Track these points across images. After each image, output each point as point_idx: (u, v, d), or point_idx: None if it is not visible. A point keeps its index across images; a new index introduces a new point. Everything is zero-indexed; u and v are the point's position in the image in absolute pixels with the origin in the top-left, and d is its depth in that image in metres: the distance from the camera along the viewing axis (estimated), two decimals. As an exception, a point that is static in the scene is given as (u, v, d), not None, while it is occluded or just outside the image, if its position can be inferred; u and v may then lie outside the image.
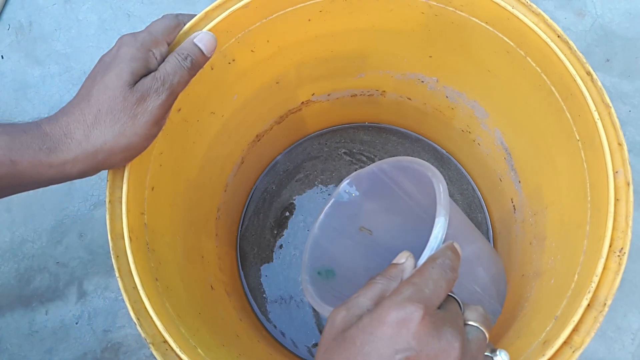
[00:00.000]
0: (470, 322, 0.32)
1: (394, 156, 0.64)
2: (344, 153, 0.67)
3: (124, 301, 0.35)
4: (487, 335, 0.32)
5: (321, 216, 0.48)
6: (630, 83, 0.70)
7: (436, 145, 0.64)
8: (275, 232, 0.63)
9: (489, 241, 0.61)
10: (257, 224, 0.64)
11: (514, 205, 0.53)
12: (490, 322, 0.33)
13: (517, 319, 0.42)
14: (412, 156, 0.64)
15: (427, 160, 0.64)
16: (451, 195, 0.63)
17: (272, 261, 0.62)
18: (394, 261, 0.35)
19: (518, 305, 0.45)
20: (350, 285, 0.33)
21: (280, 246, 0.63)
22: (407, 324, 0.29)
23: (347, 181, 0.48)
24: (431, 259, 0.33)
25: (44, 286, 0.66)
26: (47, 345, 0.64)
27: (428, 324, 0.29)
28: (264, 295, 0.60)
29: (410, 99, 0.57)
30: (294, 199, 0.65)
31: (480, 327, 0.32)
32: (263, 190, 0.65)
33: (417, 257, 0.34)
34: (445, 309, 0.31)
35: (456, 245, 0.35)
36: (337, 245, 0.48)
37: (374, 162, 0.65)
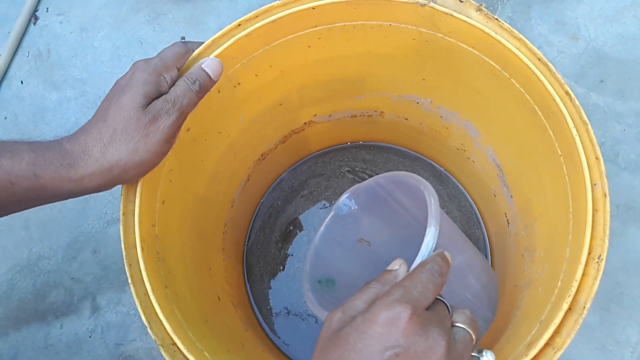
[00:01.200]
0: (457, 324, 0.34)
1: (402, 172, 0.67)
2: (347, 171, 0.70)
3: (135, 315, 0.38)
4: (473, 337, 0.34)
5: (322, 228, 0.51)
6: (624, 103, 0.73)
7: (434, 163, 0.67)
8: (280, 246, 0.66)
9: (487, 256, 0.63)
10: (262, 238, 0.66)
11: (507, 219, 0.55)
12: (477, 325, 0.35)
13: (509, 327, 0.44)
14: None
15: (426, 178, 0.66)
16: (450, 212, 0.65)
17: (277, 274, 0.64)
18: (388, 267, 0.37)
19: (510, 313, 0.47)
20: (349, 293, 0.35)
21: (285, 260, 0.65)
22: (396, 323, 0.31)
23: (347, 195, 0.51)
24: (421, 264, 0.35)
25: (59, 301, 0.69)
26: (61, 358, 0.66)
27: (416, 323, 0.31)
28: (269, 307, 0.63)
29: (407, 119, 0.60)
30: (299, 215, 0.67)
31: (467, 329, 0.34)
32: (269, 206, 0.68)
33: (410, 265, 0.37)
34: (433, 310, 0.33)
35: (446, 254, 0.37)
36: (337, 255, 0.51)
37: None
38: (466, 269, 0.45)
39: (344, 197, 0.50)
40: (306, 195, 0.68)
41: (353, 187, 0.51)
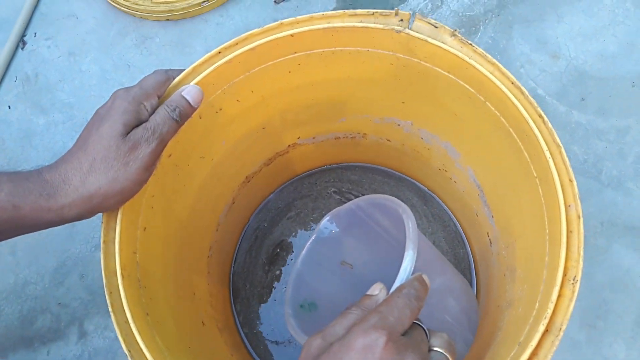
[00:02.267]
0: (435, 348, 0.34)
1: (381, 194, 0.68)
2: (334, 192, 0.70)
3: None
4: None
5: (304, 252, 0.51)
6: (605, 120, 0.74)
7: (418, 183, 0.67)
8: (267, 268, 0.66)
9: (472, 275, 0.63)
10: (249, 261, 0.67)
11: (490, 239, 0.55)
12: (455, 348, 0.35)
13: (491, 347, 0.45)
14: (397, 194, 0.68)
15: (410, 198, 0.68)
16: (435, 232, 0.66)
17: (265, 297, 0.64)
18: (368, 292, 0.37)
19: (493, 334, 0.47)
20: (332, 316, 0.35)
21: (273, 282, 0.65)
22: (372, 350, 0.31)
23: (327, 218, 0.51)
24: (398, 289, 0.36)
25: (45, 327, 0.68)
26: (48, 385, 0.66)
27: (391, 349, 0.31)
28: (255, 331, 0.63)
29: (389, 140, 0.61)
30: (286, 237, 0.68)
31: (444, 353, 0.34)
32: (255, 228, 0.68)
33: (389, 289, 0.37)
34: (410, 335, 0.34)
35: (424, 277, 0.38)
36: (319, 279, 0.51)
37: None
38: (445, 291, 0.45)
39: (324, 220, 0.51)
40: (293, 217, 0.69)
41: (334, 210, 0.51)
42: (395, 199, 0.45)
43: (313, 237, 0.51)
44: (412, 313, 0.34)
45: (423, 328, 0.35)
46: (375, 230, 0.50)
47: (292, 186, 0.70)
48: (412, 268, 0.38)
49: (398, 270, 0.43)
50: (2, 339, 0.68)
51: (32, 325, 0.69)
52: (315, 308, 0.49)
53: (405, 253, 0.39)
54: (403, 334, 0.33)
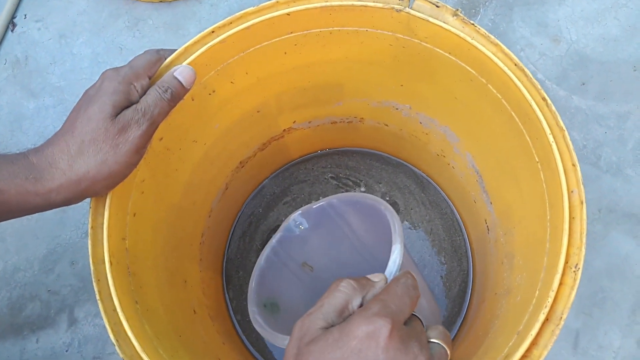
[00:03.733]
0: (432, 339, 0.34)
1: (378, 181, 0.67)
2: (331, 177, 0.69)
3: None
4: (448, 352, 0.34)
5: (268, 249, 0.50)
6: (606, 105, 0.73)
7: (416, 169, 0.66)
8: (261, 255, 0.65)
9: (468, 262, 0.63)
10: (243, 247, 0.65)
11: (487, 226, 0.54)
12: (450, 340, 0.35)
13: (488, 336, 0.44)
14: (394, 181, 0.67)
15: (408, 185, 0.67)
16: (431, 219, 0.65)
17: (258, 284, 0.63)
18: (369, 276, 0.36)
19: (490, 323, 0.46)
20: (294, 319, 0.34)
21: (266, 270, 0.64)
22: (376, 338, 0.30)
23: (299, 212, 0.50)
24: (395, 279, 0.35)
25: (35, 314, 0.67)
26: (37, 373, 0.65)
27: (396, 338, 0.30)
28: (248, 318, 0.61)
29: (387, 125, 0.60)
30: (282, 222, 0.66)
31: (442, 344, 0.33)
32: (249, 214, 0.67)
33: None
34: (410, 325, 0.33)
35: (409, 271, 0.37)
36: (281, 278, 0.50)
37: (359, 186, 0.67)
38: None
39: (295, 215, 0.50)
40: (289, 202, 0.68)
41: (305, 206, 0.50)
42: (376, 197, 0.44)
43: (279, 235, 0.50)
44: (412, 302, 0.34)
45: (420, 319, 0.34)
46: (343, 230, 0.50)
47: (288, 172, 0.68)
48: (401, 261, 0.37)
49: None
50: (-9, 326, 0.67)
51: (21, 312, 0.67)
52: (278, 309, 0.48)
53: (393, 246, 0.38)
54: (404, 324, 0.32)
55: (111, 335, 0.36)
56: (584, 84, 0.74)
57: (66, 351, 0.65)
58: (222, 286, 0.62)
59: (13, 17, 0.83)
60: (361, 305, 0.34)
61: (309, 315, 0.33)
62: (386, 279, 0.36)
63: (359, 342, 0.30)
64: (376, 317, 0.31)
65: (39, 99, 0.79)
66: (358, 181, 0.68)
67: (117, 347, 0.36)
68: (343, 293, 0.33)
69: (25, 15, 0.84)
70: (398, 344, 0.30)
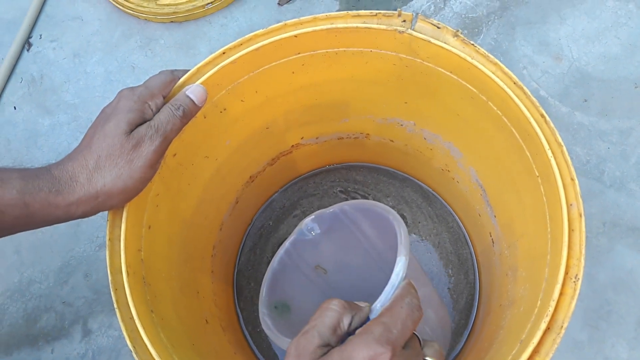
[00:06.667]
0: (427, 358, 0.35)
1: (387, 195, 0.68)
2: (340, 191, 0.70)
3: (126, 339, 0.38)
4: None
5: (281, 251, 0.51)
6: (608, 122, 0.74)
7: (422, 184, 0.68)
8: (271, 268, 0.66)
9: (474, 275, 0.63)
10: (253, 259, 0.67)
11: (492, 239, 0.55)
12: (444, 357, 0.35)
13: (493, 346, 0.45)
14: (401, 195, 0.68)
15: (415, 199, 0.68)
16: (439, 232, 0.66)
17: (268, 296, 0.65)
18: (356, 302, 0.37)
19: (495, 333, 0.47)
20: (304, 321, 0.35)
21: (276, 282, 0.65)
22: None
23: (312, 217, 0.51)
24: (400, 297, 0.35)
25: (50, 325, 0.69)
26: (52, 383, 0.66)
27: None
28: (259, 329, 0.63)
29: (392, 140, 0.61)
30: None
31: None
32: (260, 227, 0.68)
33: (361, 299, 0.37)
34: (409, 347, 0.34)
35: (412, 283, 0.38)
36: (293, 281, 0.51)
37: (367, 200, 0.69)
38: (426, 303, 0.45)
39: (307, 220, 0.51)
40: (299, 215, 0.69)
41: (318, 211, 0.51)
42: (385, 205, 0.45)
43: (292, 238, 0.51)
44: (414, 325, 0.34)
45: (418, 337, 0.35)
46: (356, 236, 0.50)
47: (297, 185, 0.70)
48: (404, 273, 0.38)
49: (371, 283, 0.43)
50: (6, 337, 0.69)
51: (36, 323, 0.69)
52: (288, 310, 0.49)
53: (398, 258, 0.38)
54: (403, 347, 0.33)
55: (128, 342, 0.37)
56: (586, 100, 0.75)
57: (80, 362, 0.67)
58: (233, 298, 0.63)
59: (29, 37, 0.86)
60: (350, 325, 0.34)
61: (304, 334, 0.33)
62: (370, 310, 0.36)
63: None
64: (377, 344, 0.31)
65: (54, 116, 0.81)
66: (367, 195, 0.70)
67: (134, 354, 0.37)
68: (334, 311, 0.34)
69: (40, 36, 0.86)
70: None
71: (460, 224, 0.66)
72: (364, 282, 0.52)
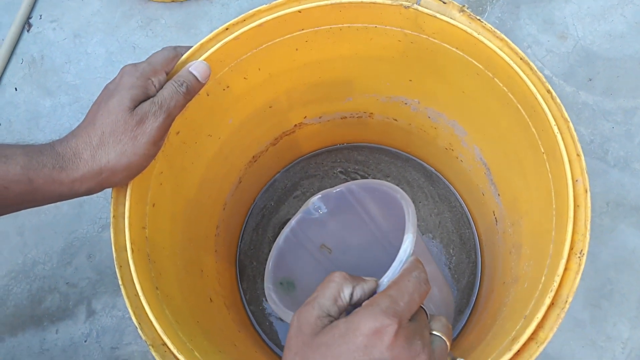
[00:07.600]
0: (434, 332, 0.34)
1: (387, 175, 0.68)
2: (340, 172, 0.70)
3: (130, 319, 0.38)
4: (448, 344, 0.34)
5: (287, 229, 0.51)
6: (613, 101, 0.73)
7: (425, 164, 0.68)
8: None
9: (477, 254, 0.64)
10: (256, 239, 0.67)
11: (495, 218, 0.55)
12: (451, 332, 0.36)
13: (496, 323, 0.45)
14: (403, 175, 0.68)
15: (417, 179, 0.68)
16: (440, 212, 0.66)
17: (270, 275, 0.65)
18: (363, 277, 0.37)
19: (498, 310, 0.47)
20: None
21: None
22: (381, 336, 0.31)
23: (319, 196, 0.51)
24: (407, 271, 0.35)
25: (54, 306, 0.69)
26: (57, 363, 0.67)
27: (401, 337, 0.31)
28: (261, 308, 0.63)
29: (396, 119, 0.61)
30: (292, 215, 0.67)
31: (443, 337, 0.34)
32: (262, 207, 0.69)
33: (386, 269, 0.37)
34: (416, 320, 0.33)
35: (420, 259, 0.38)
36: (298, 259, 0.51)
37: (374, 179, 0.68)
38: (431, 280, 0.45)
39: (315, 199, 0.51)
40: (299, 195, 0.69)
41: (325, 190, 0.51)
42: (392, 184, 0.45)
43: (299, 216, 0.51)
44: (421, 298, 0.34)
45: (425, 311, 0.35)
46: (361, 216, 0.50)
47: (299, 166, 0.70)
48: (412, 250, 0.38)
49: (376, 262, 0.43)
50: (11, 318, 0.69)
51: (40, 304, 0.69)
52: (294, 287, 0.49)
53: (405, 236, 0.39)
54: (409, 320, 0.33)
55: (134, 319, 0.37)
56: (590, 80, 0.75)
57: (85, 341, 0.67)
58: (236, 277, 0.64)
59: (29, 17, 0.85)
60: (352, 296, 0.34)
61: (305, 306, 0.34)
62: (377, 285, 0.36)
63: (365, 339, 0.31)
64: (383, 315, 0.31)
65: (55, 97, 0.80)
66: (366, 175, 0.69)
67: (139, 329, 0.37)
68: (335, 283, 0.34)
69: (40, 16, 0.86)
70: (403, 343, 0.31)
71: (463, 204, 0.66)
72: (369, 263, 0.53)
